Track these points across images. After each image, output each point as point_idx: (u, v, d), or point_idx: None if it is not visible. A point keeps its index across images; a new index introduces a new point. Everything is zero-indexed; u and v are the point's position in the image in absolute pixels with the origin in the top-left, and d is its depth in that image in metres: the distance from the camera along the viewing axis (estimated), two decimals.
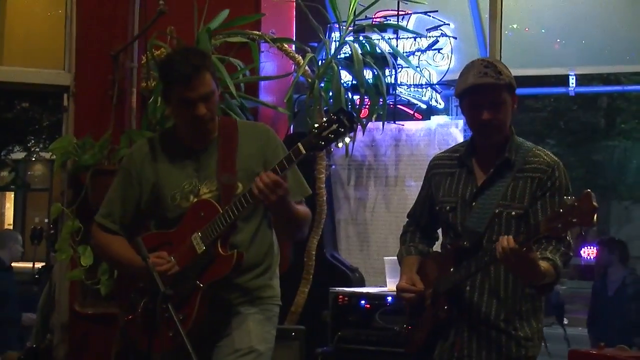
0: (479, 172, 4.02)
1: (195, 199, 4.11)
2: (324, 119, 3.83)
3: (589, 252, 19.56)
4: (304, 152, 3.81)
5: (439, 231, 4.30)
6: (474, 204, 3.97)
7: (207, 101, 4.04)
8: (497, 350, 3.93)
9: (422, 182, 4.30)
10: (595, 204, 3.36)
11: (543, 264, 3.68)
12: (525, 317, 3.96)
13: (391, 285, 5.77)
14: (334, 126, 3.77)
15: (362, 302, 5.72)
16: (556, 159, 3.98)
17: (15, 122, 22.12)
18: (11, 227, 28.92)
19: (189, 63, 4.00)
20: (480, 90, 3.87)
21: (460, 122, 6.48)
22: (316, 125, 3.83)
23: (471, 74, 3.88)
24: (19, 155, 25.17)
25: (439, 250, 4.21)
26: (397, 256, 4.34)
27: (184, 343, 3.39)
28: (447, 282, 3.95)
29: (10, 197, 29.75)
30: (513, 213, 3.86)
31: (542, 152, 4.00)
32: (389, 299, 5.60)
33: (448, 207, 4.05)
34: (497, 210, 3.90)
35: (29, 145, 24.14)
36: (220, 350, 4.11)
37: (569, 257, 3.85)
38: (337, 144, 6.28)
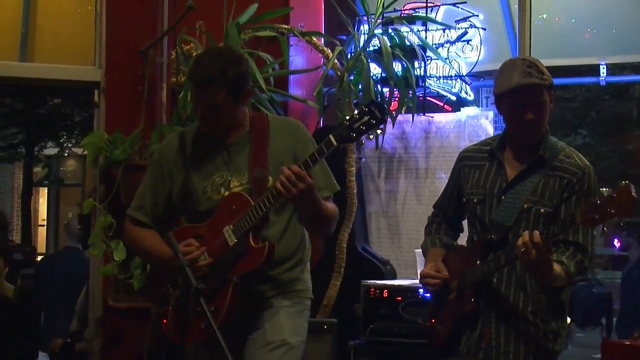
0: (509, 167, 4.02)
1: (227, 192, 4.13)
2: (356, 111, 3.84)
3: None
4: (335, 144, 3.81)
5: (464, 223, 4.31)
6: (503, 197, 3.97)
7: (213, 110, 4.07)
8: (526, 341, 3.93)
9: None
10: (635, 195, 3.35)
11: (556, 267, 3.70)
12: (552, 312, 3.97)
13: None
14: (366, 118, 3.78)
15: (394, 294, 5.71)
16: (588, 163, 3.98)
17: (48, 118, 22.28)
18: (45, 223, 29.12)
19: (207, 70, 4.01)
20: (525, 90, 3.87)
21: (490, 114, 6.46)
22: (348, 117, 3.84)
23: (515, 73, 3.87)
24: (51, 151, 25.34)
25: (463, 245, 4.21)
26: (422, 247, 4.35)
27: (216, 336, 3.40)
28: (475, 275, 3.95)
29: (43, 192, 29.91)
30: (542, 210, 3.86)
31: (575, 154, 4.01)
32: (421, 291, 5.60)
33: (476, 200, 4.05)
34: (525, 206, 3.90)
35: (61, 141, 24.29)
36: (252, 343, 4.12)
37: (584, 266, 3.86)
38: (369, 136, 6.29)
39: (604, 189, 3.46)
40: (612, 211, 3.37)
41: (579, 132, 21.30)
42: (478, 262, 3.94)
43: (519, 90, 3.86)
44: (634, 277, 9.15)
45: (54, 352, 6.80)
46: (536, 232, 3.56)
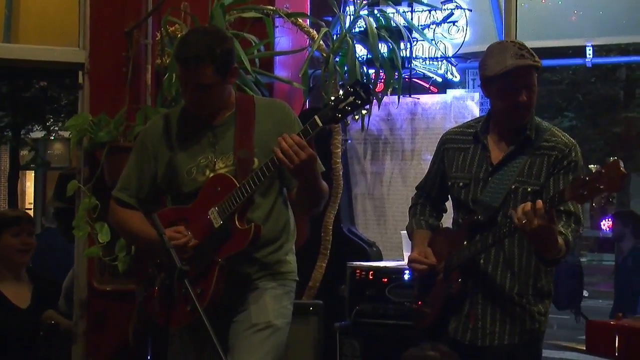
0: (494, 149, 4.04)
1: (212, 174, 4.13)
2: (340, 92, 3.84)
3: (608, 225, 19.53)
4: (320, 124, 3.82)
5: (448, 204, 4.32)
6: (489, 179, 3.97)
7: (201, 90, 4.05)
8: (512, 321, 3.96)
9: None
10: (623, 170, 3.37)
11: (558, 239, 3.69)
12: (538, 293, 3.98)
13: None
14: (351, 98, 3.80)
15: (380, 276, 5.71)
16: (573, 140, 4.01)
17: (34, 101, 22.18)
18: (32, 206, 29.04)
19: (195, 49, 4.00)
20: (520, 72, 3.88)
21: (476, 95, 6.45)
22: (333, 97, 3.85)
23: (508, 56, 3.88)
24: (38, 134, 25.24)
25: (449, 227, 4.22)
26: (407, 228, 4.37)
27: (201, 318, 3.40)
28: (461, 256, 3.96)
29: (30, 176, 29.82)
30: (529, 189, 3.87)
31: (560, 133, 4.05)
32: (407, 272, 5.60)
33: (461, 184, 4.07)
34: (513, 186, 3.92)
35: (48, 124, 24.20)
36: (237, 325, 4.13)
37: (578, 233, 3.89)
38: (354, 116, 6.28)
39: (593, 166, 3.48)
40: (601, 186, 3.39)
41: (565, 115, 21.34)
42: (465, 243, 3.95)
43: (514, 72, 3.87)
44: (627, 266, 9.17)
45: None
46: (539, 201, 3.56)
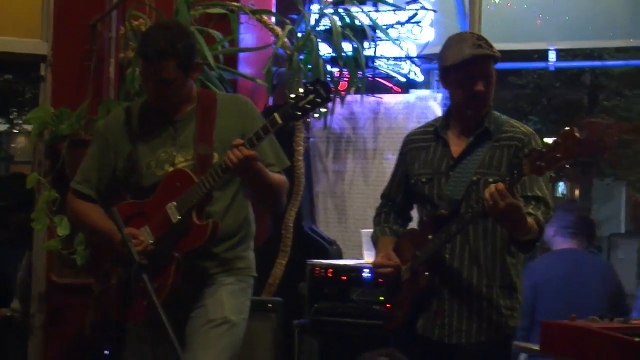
0: (454, 144, 4.06)
1: (171, 168, 4.12)
2: (301, 90, 3.84)
3: None
4: (280, 122, 3.83)
5: (413, 213, 4.32)
6: (450, 173, 3.99)
7: (163, 85, 4.05)
8: (479, 318, 3.96)
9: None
10: (578, 135, 3.42)
11: (528, 219, 3.72)
12: (505, 286, 4.00)
13: (368, 258, 5.77)
14: (311, 96, 3.82)
15: (339, 274, 5.71)
16: (532, 130, 4.05)
17: None
18: None
19: (157, 44, 4.01)
20: (477, 62, 3.91)
21: (439, 96, 6.48)
22: (293, 95, 3.85)
23: (466, 45, 3.92)
24: (1, 127, 25.04)
25: (414, 227, 4.22)
26: (372, 237, 4.36)
27: (158, 313, 3.39)
28: (427, 250, 3.96)
29: None
30: (490, 180, 3.87)
31: (518, 124, 4.09)
32: (366, 271, 5.60)
33: (424, 179, 4.08)
34: (474, 178, 3.94)
35: (11, 117, 24.01)
36: (194, 321, 4.12)
37: (549, 215, 3.91)
38: (314, 114, 6.29)
39: (549, 138, 3.52)
40: (558, 155, 3.43)
41: (530, 119, 21.42)
42: (430, 237, 3.95)
43: (472, 62, 3.90)
44: None
45: None
46: (499, 182, 3.58)
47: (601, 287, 5.66)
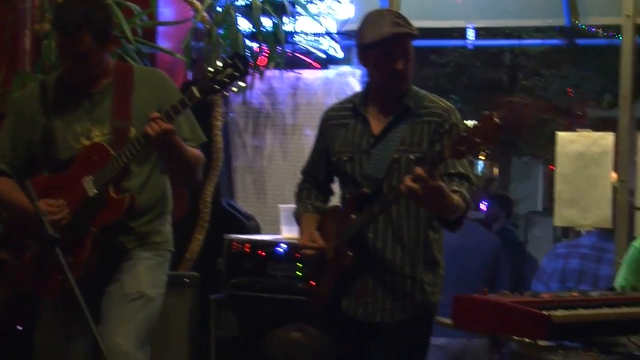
0: (374, 121, 4.04)
1: (87, 142, 4.08)
2: (219, 63, 3.83)
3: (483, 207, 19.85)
4: (198, 95, 3.82)
5: (335, 186, 4.33)
6: (372, 151, 4.00)
7: (79, 57, 4.01)
8: (403, 296, 3.98)
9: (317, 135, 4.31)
10: (497, 121, 3.42)
11: (453, 196, 3.72)
12: (429, 262, 4.02)
13: (286, 233, 5.79)
14: (229, 70, 3.81)
15: (256, 249, 5.72)
16: (451, 105, 4.05)
17: None
18: None
19: (72, 16, 3.97)
20: (396, 40, 3.89)
21: (358, 72, 6.48)
22: (211, 69, 3.83)
23: (385, 23, 3.89)
24: None
25: (337, 205, 4.22)
26: (294, 214, 4.34)
27: (72, 288, 3.36)
28: (350, 229, 3.95)
29: None
30: (412, 157, 3.89)
31: (437, 99, 4.08)
32: (283, 246, 5.62)
33: (345, 158, 4.06)
34: (396, 155, 3.94)
35: None
36: (110, 295, 4.10)
37: (473, 191, 3.93)
38: (233, 89, 6.27)
39: (469, 122, 3.53)
40: (478, 140, 3.44)
41: (451, 97, 21.57)
42: (353, 217, 3.97)
43: (391, 40, 3.88)
44: None
45: None
46: (417, 168, 3.56)
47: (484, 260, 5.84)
